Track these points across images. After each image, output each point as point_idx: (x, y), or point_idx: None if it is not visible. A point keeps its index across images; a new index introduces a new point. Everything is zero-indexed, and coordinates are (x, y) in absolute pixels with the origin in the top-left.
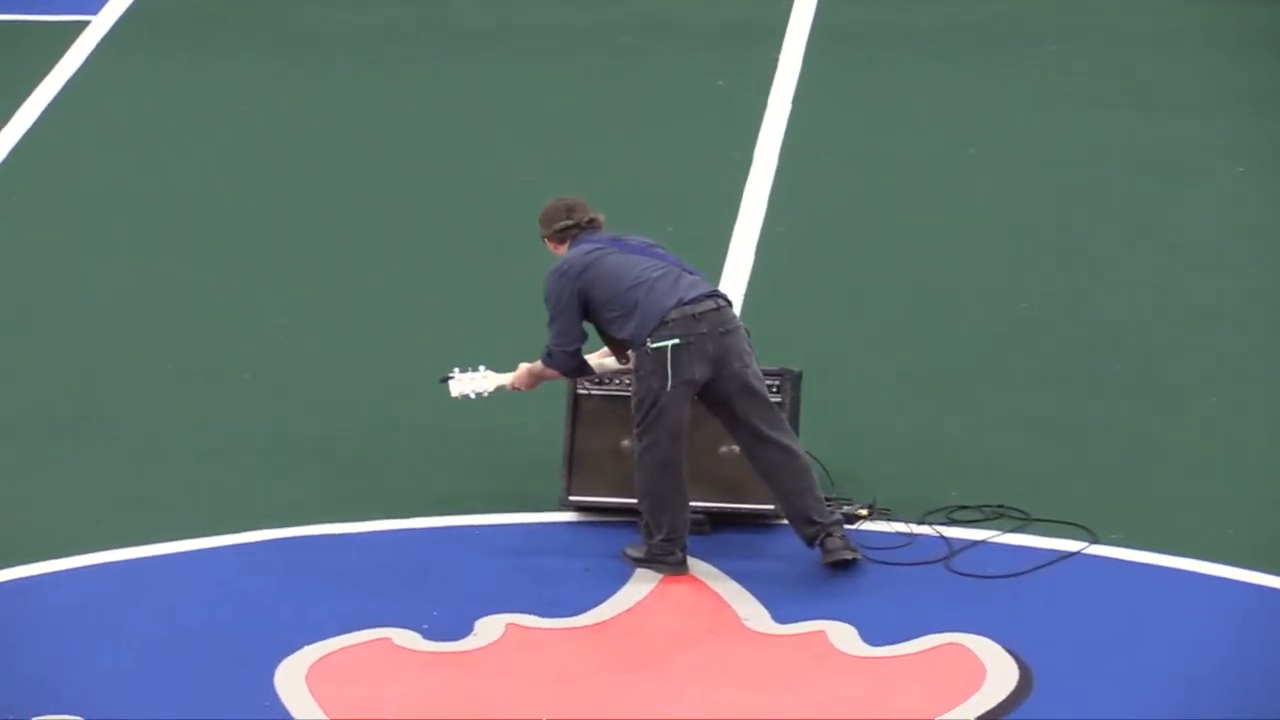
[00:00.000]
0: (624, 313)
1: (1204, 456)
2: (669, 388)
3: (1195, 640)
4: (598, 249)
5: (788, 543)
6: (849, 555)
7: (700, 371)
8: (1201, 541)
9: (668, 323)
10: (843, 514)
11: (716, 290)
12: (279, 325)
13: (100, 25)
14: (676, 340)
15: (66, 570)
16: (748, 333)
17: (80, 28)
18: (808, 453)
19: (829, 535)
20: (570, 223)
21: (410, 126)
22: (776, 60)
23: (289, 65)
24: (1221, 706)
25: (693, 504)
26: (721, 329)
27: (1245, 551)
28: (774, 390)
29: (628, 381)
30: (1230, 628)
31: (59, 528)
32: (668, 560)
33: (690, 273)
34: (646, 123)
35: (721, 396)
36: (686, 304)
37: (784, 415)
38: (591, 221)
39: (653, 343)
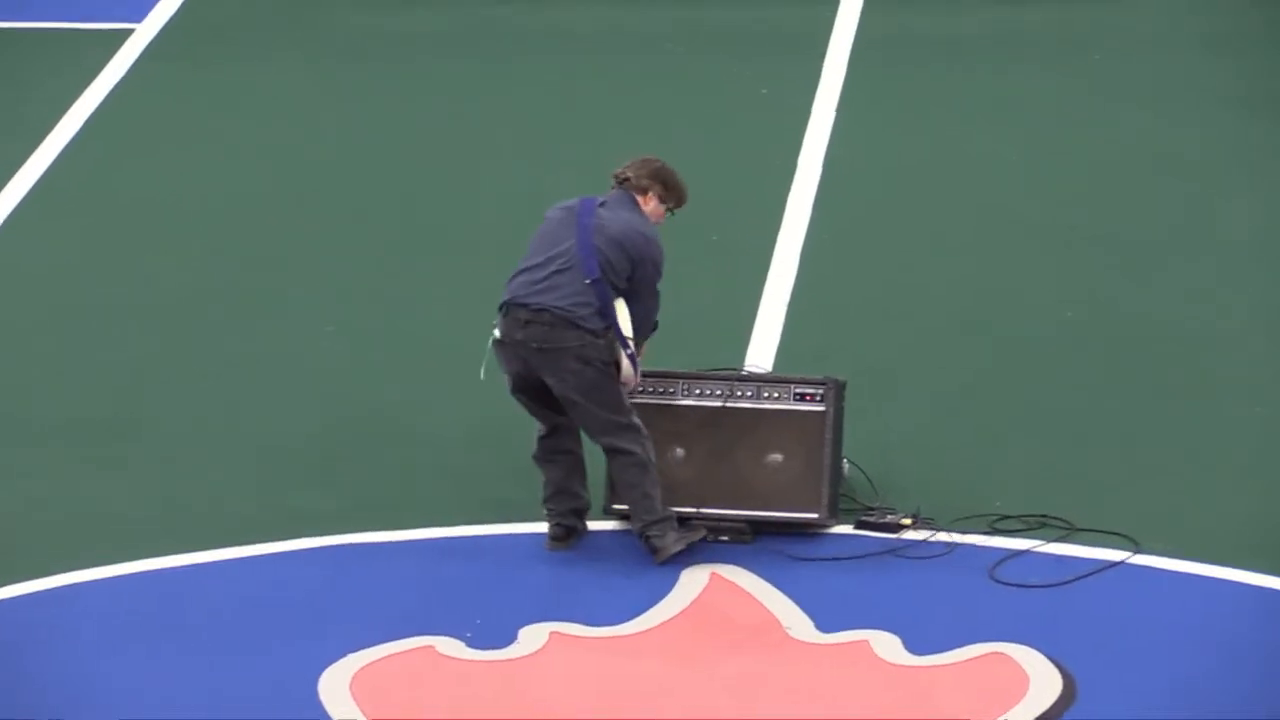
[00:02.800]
0: None
1: (1248, 466)
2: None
3: (1238, 650)
4: (555, 212)
5: (832, 551)
6: (679, 548)
7: (516, 370)
8: (1245, 551)
9: (500, 311)
10: (883, 523)
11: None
12: (324, 331)
13: (145, 33)
14: (496, 334)
15: (109, 577)
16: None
17: (125, 35)
18: (850, 461)
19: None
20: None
21: (454, 131)
22: (820, 68)
23: (331, 71)
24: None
25: (735, 513)
26: (535, 344)
27: None
28: (818, 399)
29: (670, 390)
30: (1274, 637)
31: (101, 533)
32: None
33: (561, 270)
34: (691, 130)
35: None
36: (514, 304)
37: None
38: (621, 180)
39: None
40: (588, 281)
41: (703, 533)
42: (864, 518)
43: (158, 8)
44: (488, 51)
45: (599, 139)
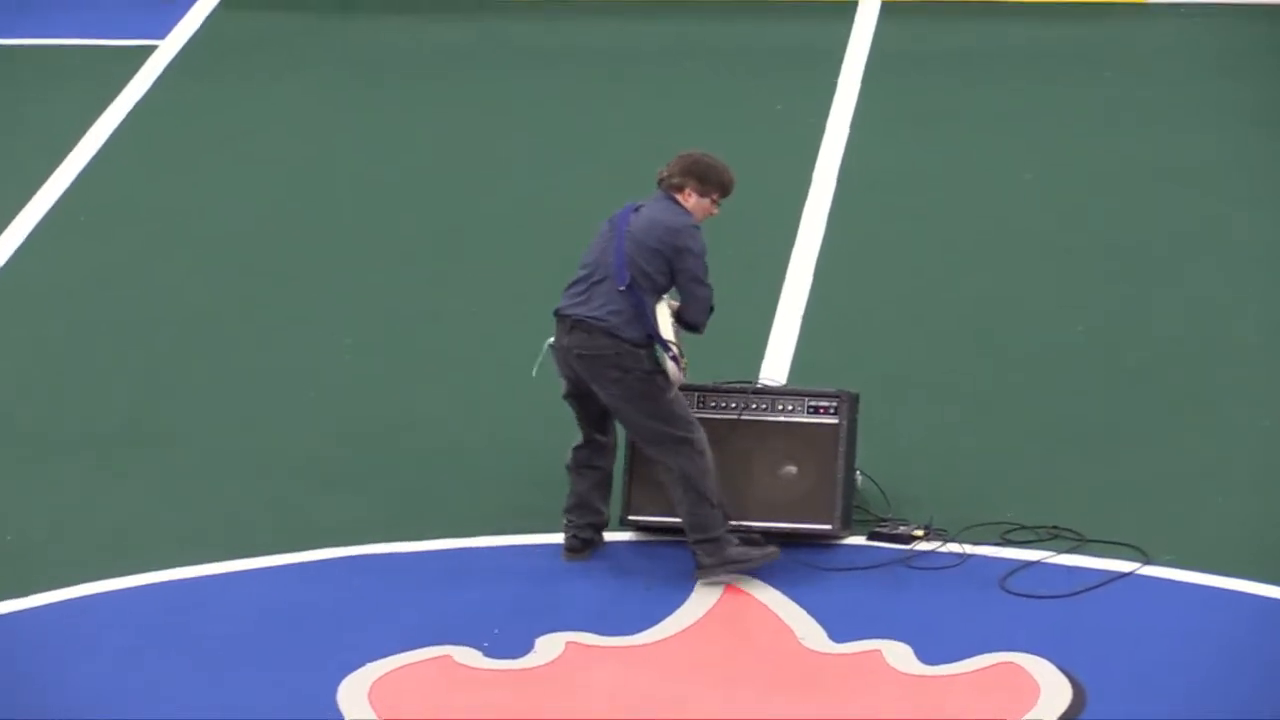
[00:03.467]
0: None
1: (1255, 477)
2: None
3: (1247, 661)
4: (603, 223)
5: (843, 562)
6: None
7: (567, 376)
8: (1254, 562)
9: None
10: (895, 534)
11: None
12: (343, 344)
13: (168, 49)
14: (550, 341)
15: (128, 588)
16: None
17: (148, 51)
18: (863, 473)
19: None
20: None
21: (472, 146)
22: (835, 84)
23: (353, 87)
24: None
25: (751, 524)
26: (577, 351)
27: None
28: (831, 412)
29: (685, 402)
30: None
31: (122, 544)
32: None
33: (598, 281)
34: (706, 145)
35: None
36: (560, 313)
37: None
38: (659, 181)
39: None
40: (620, 289)
41: (764, 558)
42: (876, 529)
43: (180, 25)
44: (505, 67)
45: (614, 154)
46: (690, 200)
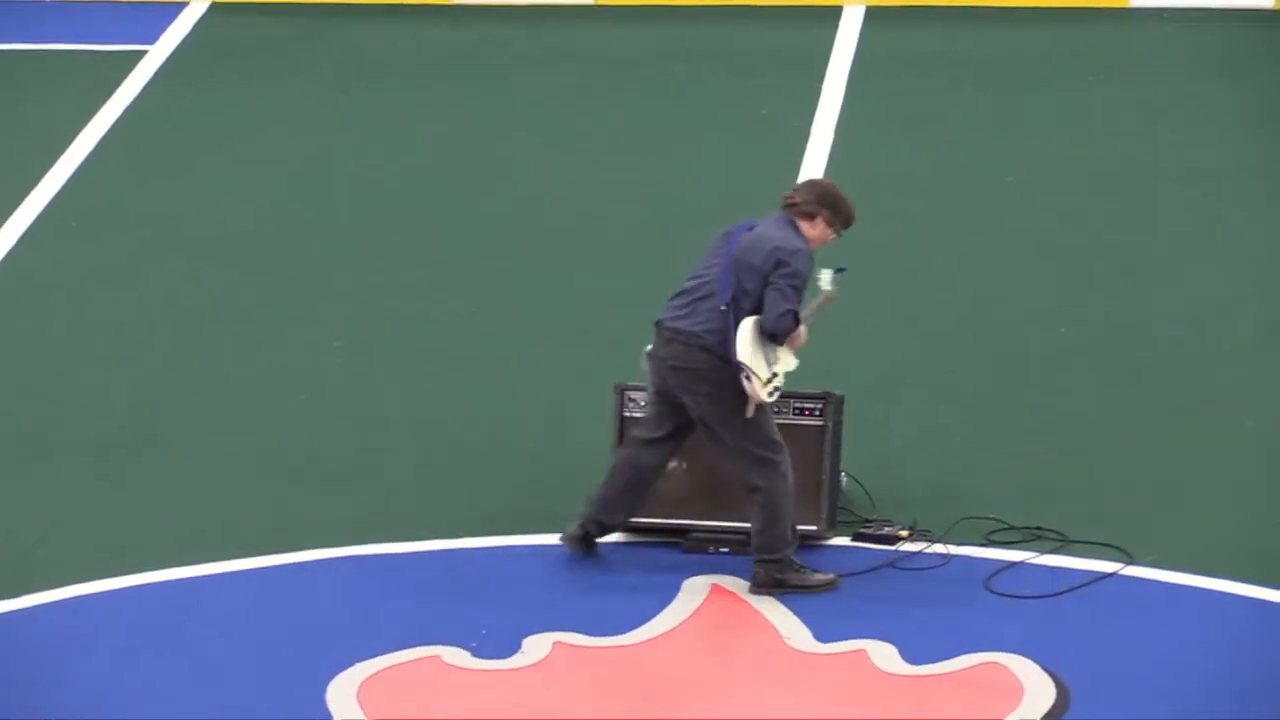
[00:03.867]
0: None
1: (1240, 479)
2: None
3: (1229, 660)
4: (716, 238)
5: (828, 562)
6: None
7: (658, 385)
8: (1237, 563)
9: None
10: (880, 535)
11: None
12: (333, 347)
13: (158, 54)
14: (648, 348)
15: (122, 589)
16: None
17: (138, 56)
18: (848, 474)
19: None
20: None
21: (461, 148)
22: (820, 89)
23: (342, 90)
24: None
25: (736, 525)
26: (671, 362)
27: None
28: (816, 414)
29: None
30: (1264, 647)
31: (117, 545)
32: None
33: (703, 297)
34: (693, 148)
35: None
36: (661, 324)
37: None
38: (788, 204)
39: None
40: (722, 308)
41: (824, 586)
42: (861, 530)
43: (170, 29)
44: (494, 71)
45: (601, 156)
46: (817, 229)
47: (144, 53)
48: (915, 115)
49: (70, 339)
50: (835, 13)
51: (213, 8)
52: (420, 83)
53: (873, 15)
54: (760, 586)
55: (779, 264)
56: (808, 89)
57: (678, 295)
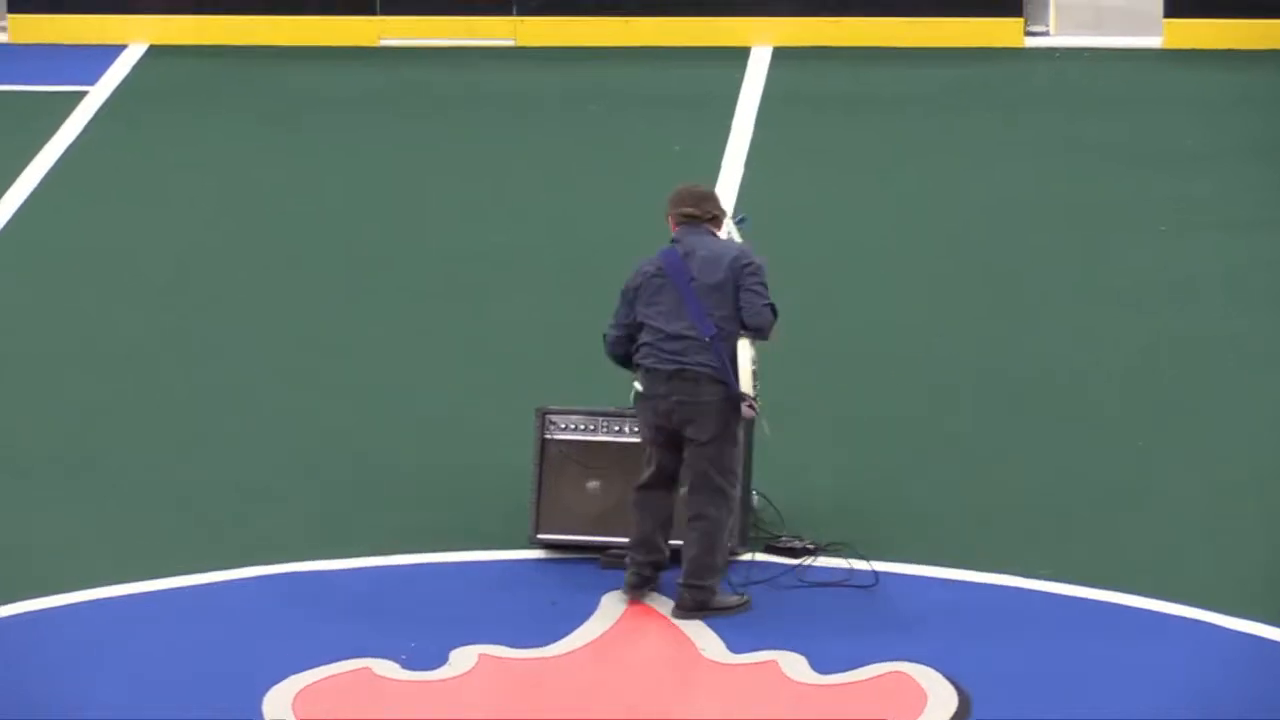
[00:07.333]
0: None
1: (1131, 496)
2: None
3: (1121, 665)
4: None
5: (741, 576)
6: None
7: (656, 424)
8: (1127, 575)
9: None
10: (790, 549)
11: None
12: (267, 373)
13: (98, 95)
14: (638, 388)
15: (59, 606)
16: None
17: (79, 97)
18: (759, 493)
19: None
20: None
21: (389, 183)
22: (730, 125)
23: (273, 130)
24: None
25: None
26: (677, 397)
27: (1172, 585)
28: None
29: (590, 426)
30: (1153, 651)
31: (52, 564)
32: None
33: (692, 339)
34: (608, 183)
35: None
36: (653, 370)
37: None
38: (689, 218)
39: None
40: (707, 340)
41: (739, 608)
42: (772, 544)
43: (109, 71)
44: (418, 111)
45: (520, 191)
46: (721, 229)
47: (84, 94)
48: (819, 150)
49: (8, 367)
50: (744, 53)
51: (151, 50)
52: (346, 119)
53: (780, 55)
54: (684, 610)
55: (744, 268)
56: (719, 126)
57: (652, 343)
